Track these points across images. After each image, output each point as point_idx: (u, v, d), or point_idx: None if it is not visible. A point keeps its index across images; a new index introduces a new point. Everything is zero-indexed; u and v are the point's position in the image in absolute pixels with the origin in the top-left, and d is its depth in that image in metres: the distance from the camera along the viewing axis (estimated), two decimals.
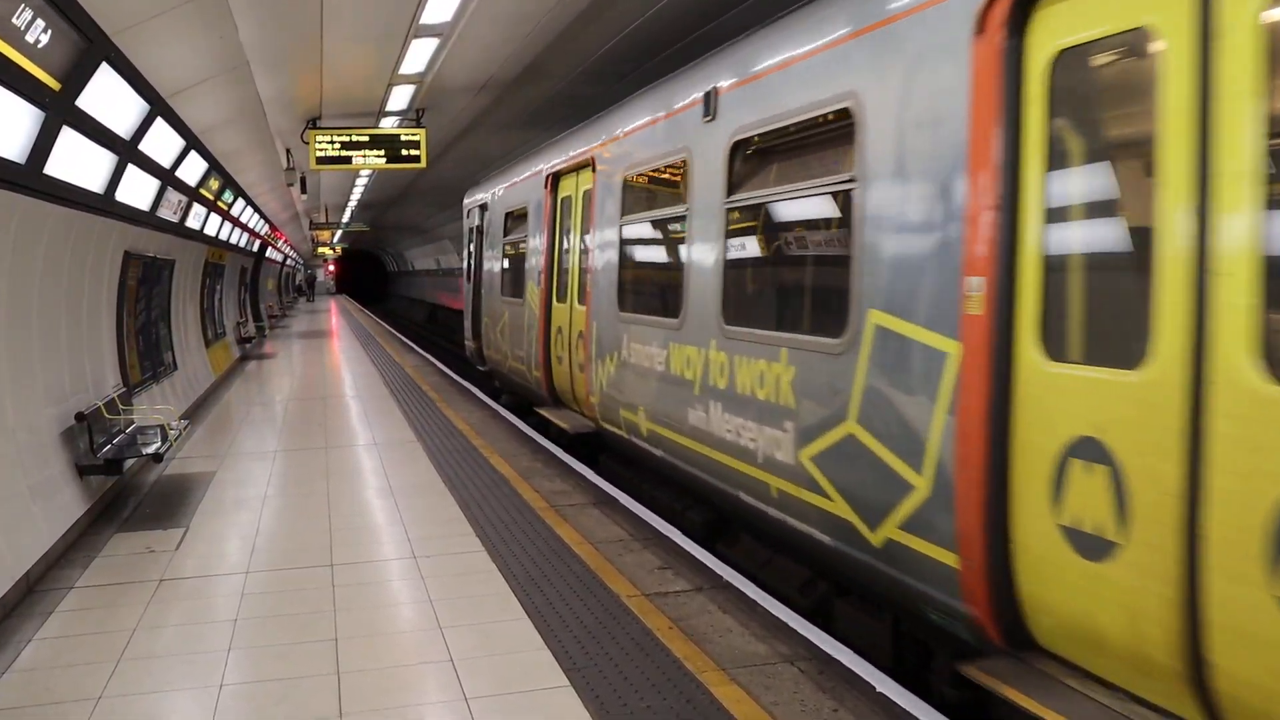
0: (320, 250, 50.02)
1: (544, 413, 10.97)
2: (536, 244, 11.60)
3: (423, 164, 15.13)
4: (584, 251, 9.84)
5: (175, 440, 9.15)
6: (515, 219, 13.17)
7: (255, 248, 25.93)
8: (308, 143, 14.81)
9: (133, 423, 9.47)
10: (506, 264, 13.56)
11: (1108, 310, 3.72)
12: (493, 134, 17.22)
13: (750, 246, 6.42)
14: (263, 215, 23.46)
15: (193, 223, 13.71)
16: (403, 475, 9.28)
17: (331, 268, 73.34)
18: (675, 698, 4.46)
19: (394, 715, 4.40)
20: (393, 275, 78.80)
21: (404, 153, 14.98)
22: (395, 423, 12.42)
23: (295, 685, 4.72)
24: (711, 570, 6.24)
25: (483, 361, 15.49)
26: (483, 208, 15.46)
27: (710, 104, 6.74)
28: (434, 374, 18.58)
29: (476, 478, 9.05)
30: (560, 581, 6.08)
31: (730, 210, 6.47)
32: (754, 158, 6.30)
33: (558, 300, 10.78)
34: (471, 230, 16.33)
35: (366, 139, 14.85)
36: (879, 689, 4.50)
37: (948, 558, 4.28)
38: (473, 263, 16.20)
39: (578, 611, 5.56)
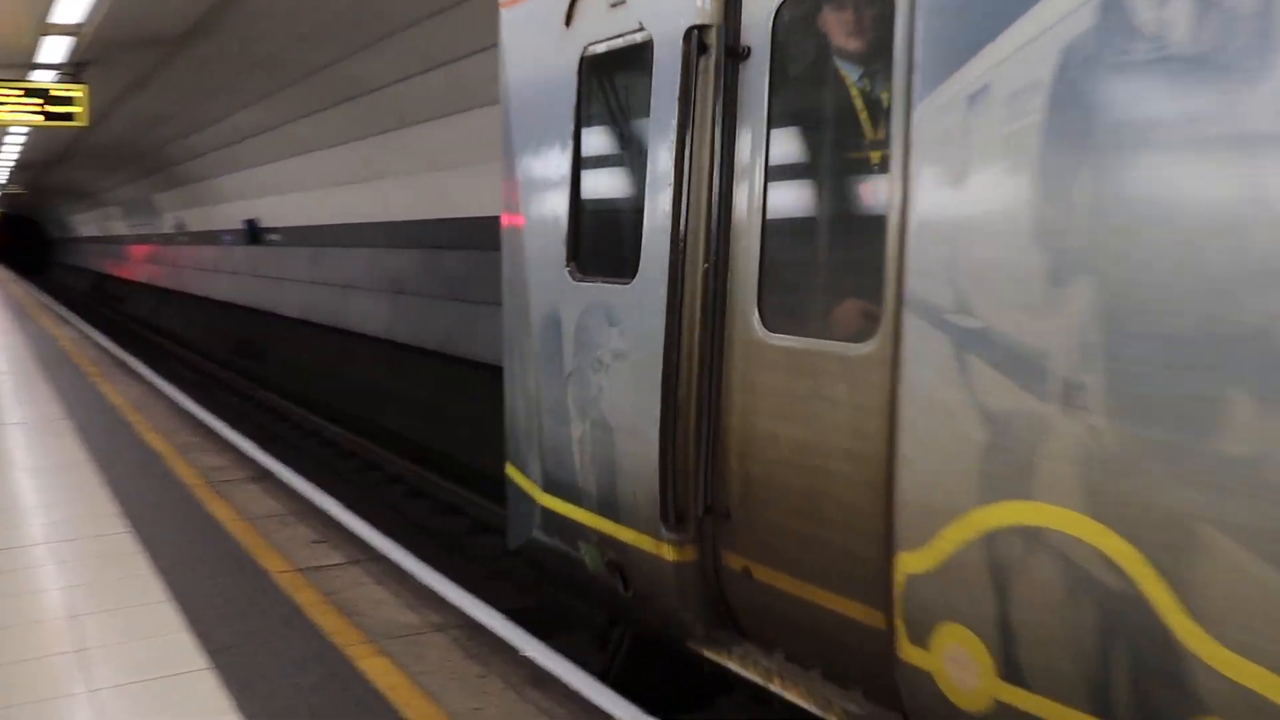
0: None
1: None
2: None
3: (84, 122, 13.95)
4: None
5: None
6: None
7: None
8: None
9: None
10: None
11: None
12: (169, 94, 16.17)
13: None
14: None
15: None
16: (46, 455, 8.61)
17: None
18: (320, 673, 4.44)
19: None
20: (55, 242, 72.03)
21: (61, 110, 13.72)
22: (43, 400, 11.43)
23: None
24: (367, 542, 6.25)
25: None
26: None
27: None
28: (93, 348, 17.20)
29: (128, 455, 8.53)
30: (211, 560, 5.87)
31: None
32: None
33: None
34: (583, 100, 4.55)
35: (20, 93, 13.51)
36: (524, 653, 4.69)
37: None
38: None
39: (226, 591, 5.39)
